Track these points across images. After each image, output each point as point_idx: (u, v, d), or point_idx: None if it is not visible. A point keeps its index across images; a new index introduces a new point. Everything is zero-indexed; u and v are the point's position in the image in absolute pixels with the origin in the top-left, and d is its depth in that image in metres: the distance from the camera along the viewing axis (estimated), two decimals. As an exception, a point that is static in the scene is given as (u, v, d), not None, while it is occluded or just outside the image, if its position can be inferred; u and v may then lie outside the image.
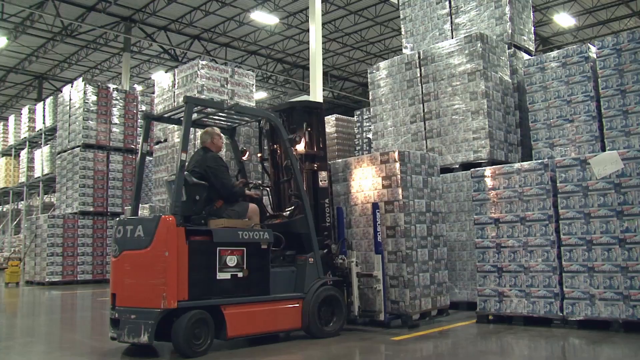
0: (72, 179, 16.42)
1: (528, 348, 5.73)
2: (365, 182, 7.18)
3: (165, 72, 21.34)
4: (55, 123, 18.36)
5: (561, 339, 5.94)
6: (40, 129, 19.95)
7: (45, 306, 11.32)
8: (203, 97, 10.50)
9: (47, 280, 15.37)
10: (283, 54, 27.98)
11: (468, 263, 8.18)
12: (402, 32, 10.72)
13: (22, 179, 21.68)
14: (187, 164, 5.91)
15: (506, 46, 9.28)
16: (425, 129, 9.10)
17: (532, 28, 10.22)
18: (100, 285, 15.21)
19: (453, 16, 9.93)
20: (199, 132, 8.54)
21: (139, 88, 29.09)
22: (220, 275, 5.54)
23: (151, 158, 16.73)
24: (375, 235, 6.71)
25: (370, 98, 10.10)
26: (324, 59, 21.96)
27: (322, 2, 17.98)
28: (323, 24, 20.07)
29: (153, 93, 15.23)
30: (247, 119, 7.25)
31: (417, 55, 9.35)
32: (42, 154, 19.69)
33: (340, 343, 6.05)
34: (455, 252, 8.33)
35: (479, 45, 8.56)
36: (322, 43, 19.07)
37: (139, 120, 17.46)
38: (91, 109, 16.41)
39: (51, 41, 24.54)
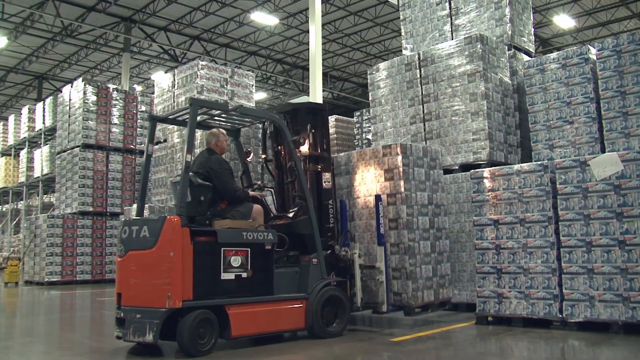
0: (72, 179, 16.41)
1: (527, 350, 5.72)
2: (367, 175, 7.25)
3: (165, 73, 21.34)
4: (55, 123, 18.36)
5: (560, 341, 5.93)
6: (40, 129, 19.94)
7: (45, 306, 11.31)
8: (203, 97, 10.51)
9: (46, 280, 15.38)
10: (283, 55, 27.99)
11: (467, 264, 8.18)
12: (402, 33, 10.72)
13: (22, 178, 21.67)
14: (191, 165, 5.94)
15: (506, 47, 9.28)
16: (425, 130, 9.10)
17: (532, 29, 10.22)
18: (99, 286, 15.21)
19: (453, 17, 9.93)
20: (198, 132, 8.54)
21: (138, 88, 29.11)
22: (225, 276, 5.58)
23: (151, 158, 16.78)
24: (378, 227, 6.76)
25: (369, 99, 10.10)
26: (323, 59, 21.96)
27: (322, 3, 17.99)
28: (323, 25, 20.07)
29: (153, 93, 15.23)
30: (251, 120, 7.29)
31: (417, 57, 9.35)
32: (41, 154, 19.68)
33: (343, 343, 6.06)
34: (454, 253, 8.32)
35: (478, 46, 8.56)
36: (322, 44, 19.07)
37: (139, 121, 17.49)
38: (91, 109, 16.41)
39: (51, 41, 24.55)
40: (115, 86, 19.26)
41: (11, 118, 23.20)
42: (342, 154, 7.83)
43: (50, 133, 19.51)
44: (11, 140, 22.69)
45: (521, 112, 9.23)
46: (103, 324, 8.72)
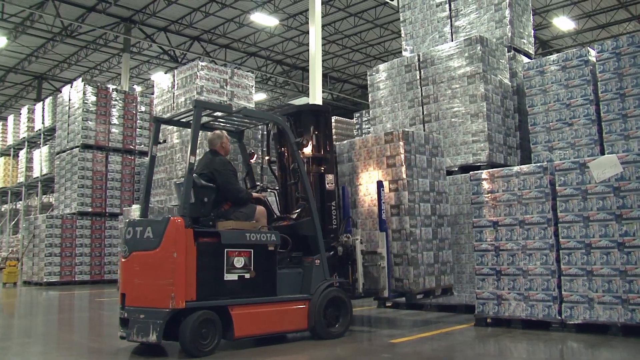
0: (71, 180, 16.40)
1: (526, 351, 5.72)
2: (369, 162, 7.34)
3: (165, 73, 21.33)
4: (55, 123, 18.35)
5: (559, 343, 5.93)
6: (39, 129, 19.93)
7: (43, 307, 11.30)
8: (203, 98, 10.51)
9: (44, 280, 15.35)
10: (283, 56, 28.01)
11: (467, 266, 8.18)
12: (402, 35, 10.72)
13: (21, 179, 21.66)
14: (195, 166, 5.97)
15: (506, 49, 9.28)
16: (424, 131, 9.09)
17: (532, 31, 10.22)
18: (98, 286, 15.20)
19: (453, 19, 9.93)
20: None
21: (138, 89, 29.10)
22: (228, 277, 5.62)
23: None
24: (380, 213, 6.83)
25: (369, 100, 10.09)
26: (323, 60, 21.96)
27: (322, 4, 18.00)
28: (323, 26, 20.07)
29: (152, 94, 15.23)
30: (254, 122, 7.33)
31: (416, 58, 9.34)
32: (40, 154, 19.67)
33: (344, 344, 6.08)
34: (453, 254, 8.32)
35: (478, 48, 8.56)
36: (322, 45, 19.07)
37: (139, 121, 17.47)
38: (90, 109, 16.40)
39: (51, 41, 24.55)
40: (114, 87, 19.26)
41: (10, 118, 23.19)
42: (344, 141, 7.93)
43: (49, 133, 19.50)
44: (10, 141, 22.68)
45: (521, 113, 9.23)
46: (102, 324, 8.72)
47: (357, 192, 7.42)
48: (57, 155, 17.41)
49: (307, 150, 6.81)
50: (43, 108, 19.80)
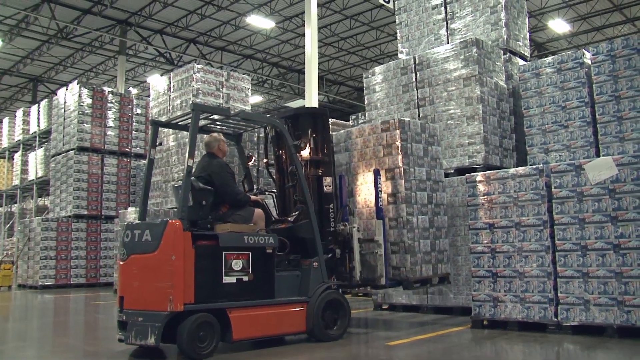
0: (66, 182, 16.34)
1: (522, 353, 5.73)
2: (366, 151, 7.40)
3: (161, 76, 21.27)
4: (50, 126, 18.29)
5: (555, 345, 5.94)
6: (35, 132, 19.86)
7: (38, 310, 11.25)
8: (199, 100, 10.50)
9: (39, 283, 15.28)
10: (279, 58, 28.00)
11: (463, 268, 8.17)
12: (398, 37, 10.73)
13: (16, 181, 21.57)
14: (193, 169, 5.98)
15: (501, 52, 9.30)
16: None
17: (528, 34, 10.25)
18: (93, 289, 15.14)
19: (449, 21, 9.94)
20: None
21: (134, 91, 29.06)
22: (226, 279, 5.64)
23: (146, 161, 16.74)
24: (376, 201, 6.87)
25: (365, 102, 10.10)
26: (319, 63, 21.98)
27: (318, 7, 18.00)
28: (319, 29, 20.06)
29: (148, 96, 15.19)
30: (252, 125, 7.35)
31: (412, 60, 9.35)
32: (36, 157, 19.60)
33: (341, 347, 6.09)
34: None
35: (474, 50, 8.58)
36: (318, 47, 19.05)
37: (134, 124, 17.44)
38: (86, 112, 16.36)
39: (46, 44, 24.47)
40: (110, 89, 19.20)
41: (5, 120, 23.09)
42: (341, 131, 7.97)
43: (45, 136, 19.43)
44: (5, 143, 22.58)
45: (516, 116, 9.25)
46: (97, 328, 8.69)
47: (354, 181, 7.47)
48: (53, 158, 17.36)
49: (305, 152, 6.84)
50: (38, 110, 19.73)
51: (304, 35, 17.84)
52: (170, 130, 10.88)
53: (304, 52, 16.67)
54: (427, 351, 6.04)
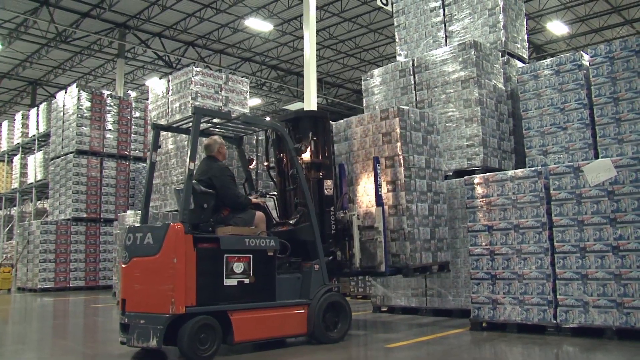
0: (65, 185, 16.35)
1: (522, 355, 5.72)
2: (366, 140, 7.50)
3: (160, 79, 21.34)
4: (49, 129, 18.30)
5: (555, 347, 5.94)
6: (34, 135, 19.87)
7: (37, 313, 11.24)
8: (197, 103, 10.50)
9: (39, 286, 15.28)
10: (277, 61, 28.02)
11: (462, 270, 8.17)
12: (396, 40, 10.75)
13: (15, 185, 21.57)
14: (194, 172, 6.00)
15: (500, 54, 9.31)
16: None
17: (526, 36, 10.26)
18: (92, 292, 15.13)
19: (447, 24, 9.96)
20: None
21: (133, 94, 29.04)
22: (228, 282, 5.66)
23: (145, 165, 16.74)
24: (376, 188, 6.91)
25: (364, 105, 10.11)
26: (318, 65, 21.98)
27: (316, 9, 18.03)
28: (317, 31, 20.11)
29: (147, 99, 15.21)
30: (253, 128, 7.38)
31: (411, 63, 9.37)
32: (35, 160, 19.60)
33: (341, 349, 6.09)
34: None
35: (472, 52, 8.59)
36: (317, 50, 19.08)
37: (133, 127, 17.45)
38: (85, 115, 16.38)
39: (45, 47, 24.49)
40: (109, 92, 19.22)
41: (4, 124, 23.10)
42: (341, 120, 8.04)
43: (43, 139, 19.44)
44: (4, 146, 22.60)
45: (515, 118, 9.26)
46: (97, 330, 8.67)
47: (354, 170, 7.54)
48: (52, 161, 17.36)
49: (306, 155, 6.86)
50: (37, 114, 19.75)
51: (302, 37, 17.87)
52: (169, 133, 10.88)
53: (303, 55, 16.68)
54: (426, 353, 6.03)
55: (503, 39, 9.34)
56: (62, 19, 21.19)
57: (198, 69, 11.16)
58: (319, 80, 23.28)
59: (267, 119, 29.11)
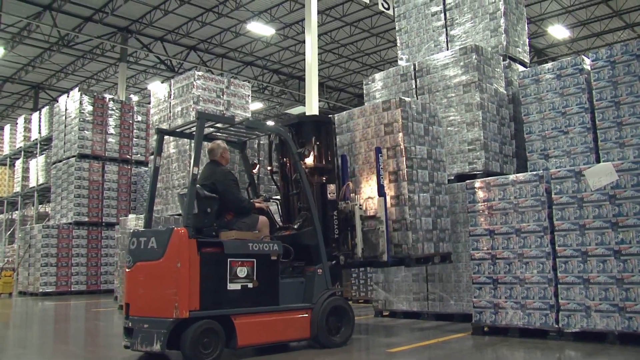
0: (67, 189, 16.36)
1: (524, 360, 5.71)
2: (368, 131, 7.58)
3: (162, 83, 21.33)
4: (51, 133, 18.33)
5: (557, 351, 5.93)
6: (36, 139, 19.90)
7: (39, 317, 11.24)
8: (199, 107, 10.52)
9: (40, 290, 15.27)
10: (279, 65, 28.06)
11: (463, 275, 8.16)
12: (398, 44, 10.76)
13: (17, 188, 21.59)
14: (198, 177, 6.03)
15: (501, 58, 9.32)
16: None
17: (527, 40, 10.27)
18: (94, 296, 15.12)
19: (448, 28, 9.97)
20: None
21: (135, 98, 29.14)
22: (231, 286, 5.68)
23: (147, 169, 16.76)
24: (378, 178, 6.97)
25: (365, 109, 10.11)
26: (319, 70, 22.02)
27: (318, 14, 18.06)
28: (319, 35, 20.14)
29: (149, 103, 15.23)
30: (257, 133, 7.41)
31: (412, 67, 9.38)
32: (37, 164, 19.62)
33: (344, 353, 6.09)
34: (450, 263, 8.31)
35: (474, 57, 8.60)
36: (318, 54, 19.13)
37: (135, 131, 17.48)
38: (87, 119, 16.40)
39: (48, 51, 24.55)
40: (111, 96, 19.25)
41: (7, 128, 23.14)
42: (343, 112, 8.11)
43: (46, 143, 19.46)
44: (7, 150, 22.63)
45: (516, 122, 9.26)
46: (98, 335, 8.67)
47: (356, 161, 7.60)
48: (54, 165, 17.38)
49: (309, 160, 6.88)
50: (40, 118, 19.78)
51: (304, 42, 17.89)
52: (171, 137, 10.90)
53: (304, 59, 16.71)
54: (428, 358, 6.03)
55: (504, 43, 9.35)
56: (64, 23, 21.26)
57: (200, 73, 11.20)
58: (320, 84, 23.29)
59: (270, 123, 29.17)
